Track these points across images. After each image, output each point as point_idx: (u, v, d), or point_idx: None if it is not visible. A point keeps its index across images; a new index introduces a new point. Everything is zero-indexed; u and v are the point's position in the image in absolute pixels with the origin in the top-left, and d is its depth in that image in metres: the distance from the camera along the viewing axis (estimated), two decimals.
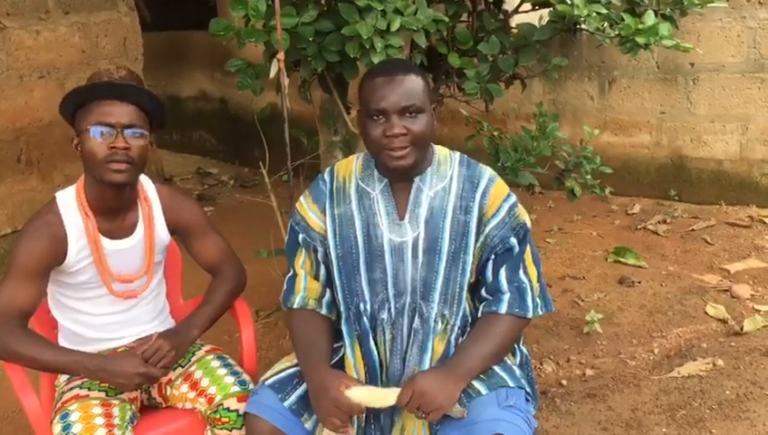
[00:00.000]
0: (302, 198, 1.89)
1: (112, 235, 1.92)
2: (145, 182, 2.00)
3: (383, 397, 1.69)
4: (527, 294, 1.77)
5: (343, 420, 1.67)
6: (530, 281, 1.79)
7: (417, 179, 1.78)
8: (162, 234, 2.02)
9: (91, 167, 1.83)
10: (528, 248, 1.81)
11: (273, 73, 2.35)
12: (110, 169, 1.79)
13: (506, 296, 1.76)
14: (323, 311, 1.84)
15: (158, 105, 1.88)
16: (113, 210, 1.91)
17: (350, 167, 1.86)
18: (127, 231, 1.95)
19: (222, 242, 2.12)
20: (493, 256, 1.78)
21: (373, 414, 1.75)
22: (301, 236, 1.86)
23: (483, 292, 1.80)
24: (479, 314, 1.80)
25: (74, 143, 1.85)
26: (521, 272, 1.78)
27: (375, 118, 1.69)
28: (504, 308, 1.75)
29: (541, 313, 1.81)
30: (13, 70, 3.89)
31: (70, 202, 1.89)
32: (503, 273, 1.78)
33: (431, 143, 1.80)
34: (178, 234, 2.07)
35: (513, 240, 1.77)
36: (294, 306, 1.85)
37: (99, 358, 1.85)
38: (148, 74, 4.89)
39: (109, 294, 1.95)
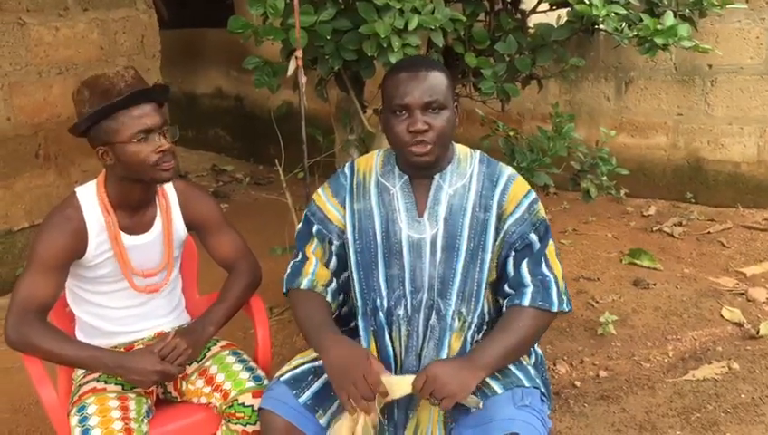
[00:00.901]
0: (320, 189, 1.90)
1: (131, 230, 1.94)
2: None
3: (400, 386, 1.67)
4: (552, 288, 1.76)
5: (370, 398, 1.61)
6: (554, 276, 1.78)
7: (437, 177, 1.78)
8: (180, 229, 2.03)
9: (139, 172, 1.82)
10: (551, 244, 1.80)
11: (290, 71, 2.36)
12: (162, 170, 1.82)
13: (529, 289, 1.75)
14: (328, 297, 1.84)
15: (167, 94, 1.92)
16: (135, 206, 1.93)
17: (371, 162, 1.87)
18: (146, 226, 1.97)
19: (238, 238, 2.13)
20: (513, 253, 1.78)
21: (387, 411, 1.75)
22: (315, 228, 1.87)
23: (506, 287, 1.79)
24: (503, 309, 1.79)
25: (101, 153, 1.83)
26: (543, 266, 1.78)
27: (398, 113, 1.70)
28: (527, 301, 1.74)
29: (566, 309, 1.79)
30: (32, 66, 3.93)
31: (90, 198, 1.91)
32: (525, 267, 1.77)
33: (452, 141, 1.80)
34: (194, 229, 2.09)
35: (533, 236, 1.77)
36: (302, 287, 1.83)
37: (117, 355, 1.86)
38: (164, 72, 4.94)
39: (127, 289, 1.97)
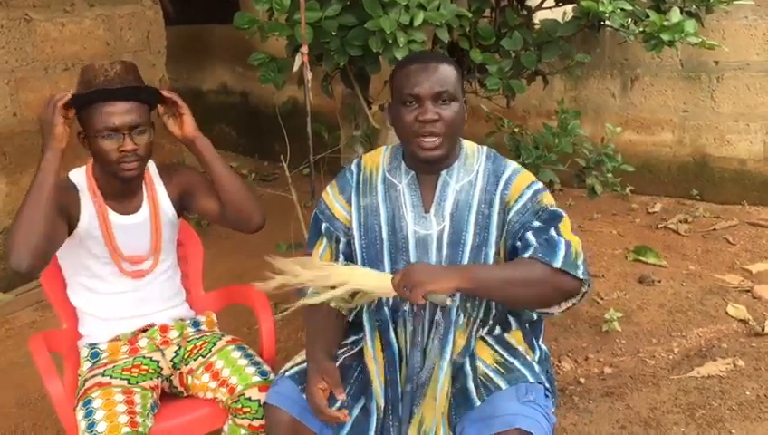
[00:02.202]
0: (328, 187, 1.91)
1: (120, 211, 1.99)
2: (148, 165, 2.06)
3: (380, 281, 1.66)
4: (558, 247, 1.64)
5: (324, 416, 1.70)
6: (567, 241, 1.66)
7: (443, 173, 1.78)
8: (167, 207, 2.06)
9: (103, 165, 1.90)
10: (565, 221, 1.71)
11: (296, 67, 2.36)
12: (123, 170, 1.87)
13: (533, 246, 1.66)
14: (332, 303, 1.84)
15: (154, 95, 1.94)
16: (121, 192, 1.98)
17: (378, 158, 1.87)
18: (133, 210, 2.01)
19: None
20: (518, 243, 1.73)
21: (392, 406, 1.76)
22: (324, 226, 1.88)
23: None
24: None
25: (80, 137, 1.90)
26: (552, 231, 1.68)
27: (408, 104, 1.70)
28: (528, 254, 1.65)
29: (575, 274, 1.63)
30: (38, 62, 3.94)
31: (81, 181, 1.97)
32: (530, 232, 1.69)
33: (460, 137, 1.80)
34: (185, 201, 2.09)
35: (536, 223, 1.70)
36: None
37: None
38: (169, 67, 4.94)
39: (117, 273, 2.00)
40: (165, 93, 1.95)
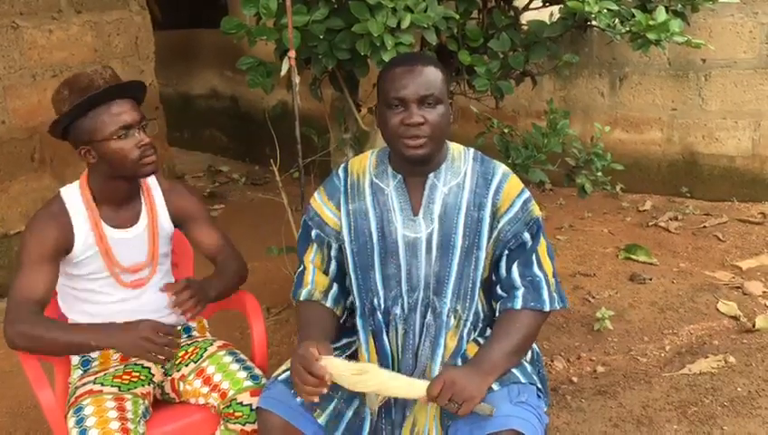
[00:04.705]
0: (316, 193, 1.91)
1: (117, 225, 1.97)
2: None
3: (412, 389, 1.65)
4: (542, 288, 1.77)
5: (313, 384, 1.60)
6: (545, 275, 1.78)
7: (431, 175, 1.79)
8: (165, 223, 2.05)
9: (122, 168, 1.87)
10: (543, 242, 1.81)
11: (284, 71, 2.36)
12: (145, 165, 1.88)
13: (520, 292, 1.76)
14: (328, 303, 1.86)
15: (145, 90, 1.96)
16: (119, 202, 1.96)
17: (364, 163, 1.87)
18: (131, 221, 2.00)
19: (221, 233, 2.17)
20: (506, 252, 1.79)
21: (384, 409, 1.76)
22: (314, 232, 1.88)
23: (498, 290, 1.80)
24: (497, 314, 1.79)
25: (84, 152, 1.87)
26: (534, 267, 1.78)
27: (394, 107, 1.70)
28: (519, 304, 1.75)
29: (558, 307, 1.79)
30: (26, 69, 3.93)
31: (74, 197, 1.94)
32: (515, 269, 1.78)
33: (446, 139, 1.81)
34: (180, 223, 2.10)
35: (527, 235, 1.78)
36: (301, 299, 1.87)
37: (104, 332, 1.85)
38: (158, 73, 4.93)
39: (114, 284, 1.99)
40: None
